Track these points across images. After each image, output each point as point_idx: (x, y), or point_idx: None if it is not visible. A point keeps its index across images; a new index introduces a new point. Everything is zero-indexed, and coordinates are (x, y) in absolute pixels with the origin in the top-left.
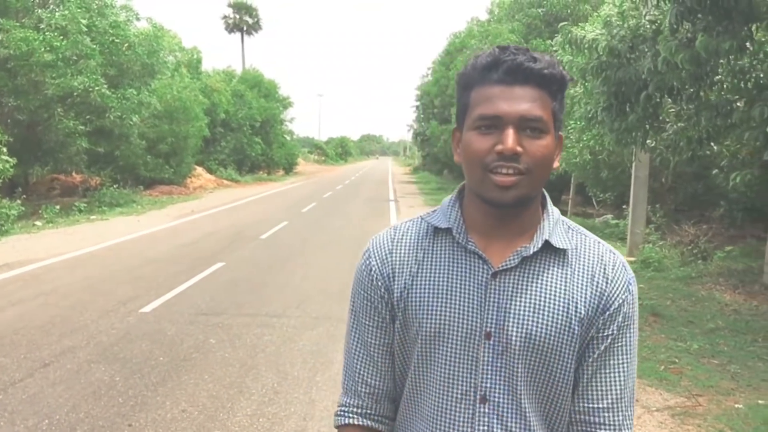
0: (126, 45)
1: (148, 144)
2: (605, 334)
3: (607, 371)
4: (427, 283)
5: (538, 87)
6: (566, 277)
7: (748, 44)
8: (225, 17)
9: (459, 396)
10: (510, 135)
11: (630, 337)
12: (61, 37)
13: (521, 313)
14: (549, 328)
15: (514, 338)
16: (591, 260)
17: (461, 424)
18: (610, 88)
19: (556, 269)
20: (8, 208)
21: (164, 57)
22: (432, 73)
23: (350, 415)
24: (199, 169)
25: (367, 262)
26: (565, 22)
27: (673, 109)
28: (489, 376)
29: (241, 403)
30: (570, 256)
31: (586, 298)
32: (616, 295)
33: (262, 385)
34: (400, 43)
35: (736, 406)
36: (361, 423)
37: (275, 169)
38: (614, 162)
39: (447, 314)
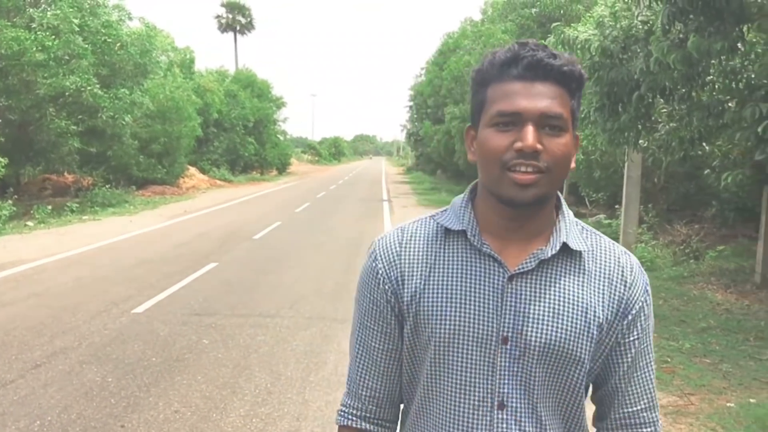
0: (118, 45)
1: (141, 144)
2: (631, 339)
3: (640, 374)
4: (440, 287)
5: (557, 84)
6: (584, 281)
7: (739, 45)
8: (218, 17)
9: (476, 402)
10: (530, 132)
11: (651, 335)
12: (53, 37)
13: (540, 317)
14: (568, 332)
15: (533, 343)
16: (608, 263)
17: (479, 431)
18: (603, 89)
19: (573, 272)
20: None
21: (157, 57)
22: (425, 73)
23: (351, 417)
24: (192, 169)
25: (373, 264)
26: (558, 23)
27: (665, 110)
28: (506, 382)
29: (234, 403)
30: (586, 258)
31: (604, 302)
32: (635, 300)
33: (255, 386)
34: (394, 43)
35: (728, 404)
36: (360, 426)
37: (268, 169)
38: (607, 162)
39: (462, 319)
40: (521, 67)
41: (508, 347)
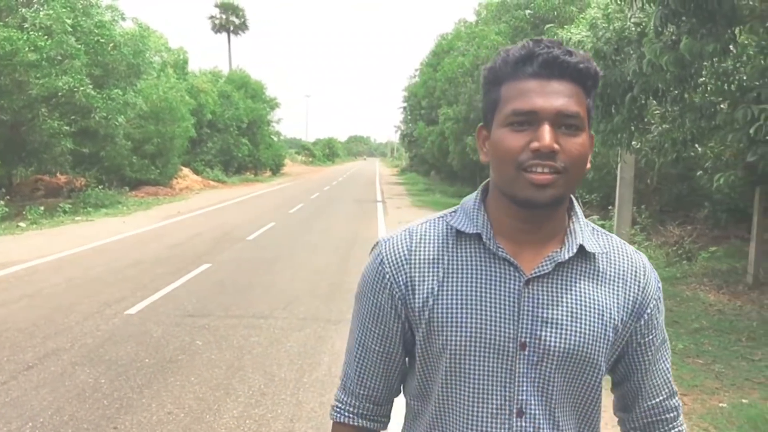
0: (111, 45)
1: (134, 145)
2: (649, 338)
3: (659, 367)
4: (455, 293)
5: (573, 82)
6: (599, 282)
7: (731, 47)
8: (212, 17)
9: (494, 411)
10: (547, 131)
11: (663, 325)
12: (46, 37)
13: (558, 321)
14: (586, 336)
15: (552, 348)
16: (621, 264)
17: None
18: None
19: (588, 274)
20: None
21: (150, 57)
22: (419, 74)
23: (347, 414)
24: (186, 170)
25: (380, 268)
26: (551, 24)
27: (657, 111)
28: (525, 389)
29: (227, 404)
30: (600, 259)
31: (619, 303)
32: (649, 299)
33: (248, 387)
34: (388, 45)
35: (721, 405)
36: (357, 423)
37: (262, 170)
38: (600, 163)
39: (478, 326)
40: (536, 64)
41: (526, 353)
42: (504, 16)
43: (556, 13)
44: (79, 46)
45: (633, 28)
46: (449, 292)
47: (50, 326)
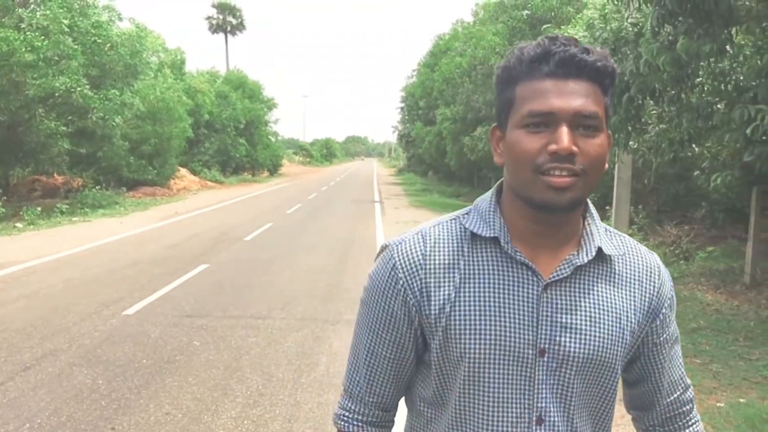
0: (108, 45)
1: (131, 145)
2: (664, 337)
3: (674, 363)
4: (473, 299)
5: (590, 81)
6: (616, 285)
7: (728, 47)
8: (209, 18)
9: (514, 419)
10: (565, 133)
11: (676, 324)
12: (43, 37)
13: (577, 327)
14: (605, 341)
15: (571, 354)
16: (637, 266)
17: None
18: None
19: (605, 277)
20: None
21: (147, 57)
22: (417, 74)
23: (356, 422)
24: (183, 171)
25: (392, 273)
26: (549, 25)
27: (654, 111)
28: (544, 396)
29: (225, 405)
30: (616, 261)
31: (635, 306)
32: (664, 300)
33: (246, 387)
34: (386, 45)
35: (718, 404)
36: (366, 431)
37: (260, 170)
38: None
39: (498, 333)
40: (552, 63)
41: (545, 359)
42: (501, 16)
43: (553, 13)
44: (76, 47)
45: (630, 29)
46: (467, 299)
47: (48, 327)
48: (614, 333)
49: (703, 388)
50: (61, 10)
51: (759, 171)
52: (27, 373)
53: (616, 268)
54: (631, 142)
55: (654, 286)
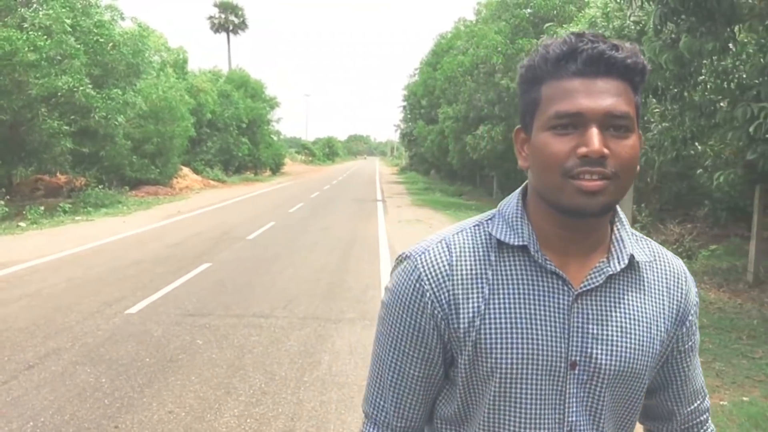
0: (111, 45)
1: (134, 144)
2: (688, 345)
3: (695, 373)
4: (504, 311)
5: (620, 79)
6: (646, 294)
7: (730, 45)
8: (211, 17)
9: None
10: (595, 135)
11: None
12: (45, 37)
13: (609, 338)
14: (636, 352)
15: (603, 367)
16: (665, 272)
17: None
18: None
19: (635, 285)
20: None
21: (150, 57)
22: (419, 73)
23: None
24: (186, 170)
25: (418, 285)
26: (551, 23)
27: (657, 109)
28: (574, 410)
29: (228, 403)
30: (644, 268)
31: (665, 314)
32: (690, 307)
33: (249, 386)
34: (388, 43)
35: (721, 403)
36: None
37: (262, 169)
38: None
39: (530, 346)
40: (580, 61)
41: (576, 372)
42: (504, 14)
43: (555, 11)
44: (79, 46)
45: (632, 27)
46: (497, 311)
47: (51, 326)
48: (645, 344)
49: (707, 386)
50: (63, 10)
51: (762, 169)
52: (30, 371)
53: (645, 275)
54: None
55: (681, 294)
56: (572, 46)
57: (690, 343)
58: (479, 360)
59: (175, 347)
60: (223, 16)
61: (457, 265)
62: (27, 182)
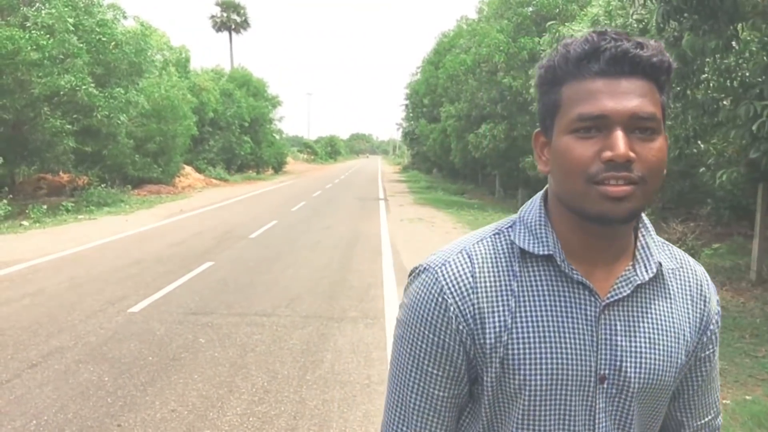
0: (113, 44)
1: (136, 143)
2: (707, 353)
3: (711, 385)
4: (531, 324)
5: (646, 78)
6: (671, 302)
7: (733, 43)
8: (213, 16)
9: None
10: (620, 138)
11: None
12: (48, 36)
13: (638, 350)
14: (664, 364)
15: (632, 380)
16: (688, 279)
17: None
18: None
19: (660, 294)
20: None
21: (152, 56)
22: (421, 72)
23: None
24: (188, 169)
25: (440, 299)
26: (553, 21)
27: None
28: (604, 425)
29: (231, 402)
30: (668, 276)
31: (690, 323)
32: (713, 314)
33: (252, 384)
34: (390, 42)
35: (724, 402)
36: None
37: (264, 168)
38: None
39: (560, 361)
40: (603, 61)
41: (605, 386)
42: (506, 13)
43: (558, 10)
44: (81, 45)
45: (635, 25)
46: (524, 325)
47: (53, 324)
48: (672, 355)
49: None
50: (66, 9)
51: (765, 168)
52: (33, 370)
53: (670, 282)
54: None
55: (705, 302)
56: (594, 44)
57: (708, 352)
58: (507, 376)
59: (178, 346)
60: (225, 14)
61: (480, 277)
62: (30, 181)
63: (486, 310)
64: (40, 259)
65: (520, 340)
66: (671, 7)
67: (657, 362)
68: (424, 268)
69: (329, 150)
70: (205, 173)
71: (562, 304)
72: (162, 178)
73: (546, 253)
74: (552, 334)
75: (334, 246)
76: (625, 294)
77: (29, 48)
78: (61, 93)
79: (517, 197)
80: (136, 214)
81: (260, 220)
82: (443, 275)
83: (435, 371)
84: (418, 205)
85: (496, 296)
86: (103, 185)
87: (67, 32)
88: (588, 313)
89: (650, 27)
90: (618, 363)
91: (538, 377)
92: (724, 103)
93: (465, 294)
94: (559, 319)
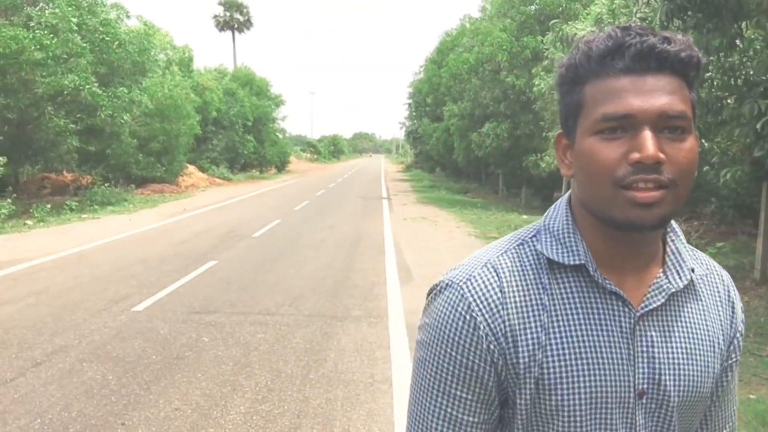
0: (117, 43)
1: (140, 142)
2: (731, 362)
3: (729, 397)
4: (566, 341)
5: (674, 75)
6: (703, 309)
7: (737, 41)
8: (216, 16)
9: None
10: (648, 138)
11: None
12: (52, 36)
13: (675, 362)
14: (702, 374)
15: (671, 394)
16: (716, 284)
17: None
18: None
19: (692, 301)
20: None
21: (155, 55)
22: (424, 71)
23: None
24: (191, 168)
25: (468, 317)
26: (557, 20)
27: None
28: None
29: (234, 401)
30: (698, 282)
31: (722, 330)
32: (739, 322)
33: (255, 383)
34: (393, 41)
35: None
36: None
37: (267, 167)
38: None
39: (598, 378)
40: (628, 57)
41: (644, 401)
42: (509, 12)
43: (561, 8)
44: (85, 45)
45: (639, 23)
46: (559, 341)
47: (58, 323)
48: (709, 364)
49: None
50: (69, 8)
51: None
52: (38, 369)
53: (700, 289)
54: None
55: (732, 307)
56: (618, 40)
57: (731, 362)
58: (542, 397)
59: (182, 344)
60: (228, 14)
61: (509, 291)
62: (34, 180)
63: (518, 327)
64: (44, 258)
65: (556, 358)
66: (675, 6)
67: (695, 373)
68: (447, 284)
69: (332, 149)
70: (208, 172)
71: (596, 316)
72: (165, 177)
73: (577, 262)
74: (588, 350)
75: (338, 245)
76: (659, 303)
77: (33, 48)
78: (65, 92)
79: (521, 196)
80: (139, 214)
81: (263, 219)
82: (470, 291)
83: (464, 395)
84: (421, 204)
85: (528, 312)
86: (106, 184)
87: (70, 32)
88: (623, 324)
89: (654, 25)
90: (657, 376)
91: (577, 397)
92: (729, 101)
93: (495, 310)
94: (595, 333)
